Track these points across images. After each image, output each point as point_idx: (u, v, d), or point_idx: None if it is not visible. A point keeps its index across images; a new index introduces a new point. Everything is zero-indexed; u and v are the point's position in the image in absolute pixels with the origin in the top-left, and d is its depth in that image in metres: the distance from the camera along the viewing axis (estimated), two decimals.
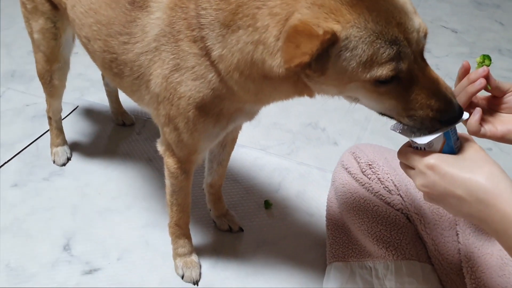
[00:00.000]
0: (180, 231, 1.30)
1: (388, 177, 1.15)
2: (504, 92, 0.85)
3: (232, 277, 1.32)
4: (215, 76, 0.92)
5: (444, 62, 2.29)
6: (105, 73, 1.20)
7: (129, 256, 1.37)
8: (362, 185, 1.17)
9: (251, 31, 0.82)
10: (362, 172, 1.18)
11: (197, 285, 1.30)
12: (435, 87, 0.77)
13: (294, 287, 1.30)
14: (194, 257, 1.33)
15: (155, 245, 1.40)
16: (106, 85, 1.79)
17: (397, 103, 0.78)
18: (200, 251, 1.38)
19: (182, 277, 1.31)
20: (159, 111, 1.05)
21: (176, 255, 1.33)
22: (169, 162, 1.15)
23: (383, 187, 1.15)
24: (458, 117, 0.78)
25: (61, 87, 1.54)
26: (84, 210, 1.51)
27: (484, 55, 0.87)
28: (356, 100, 0.84)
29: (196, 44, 0.91)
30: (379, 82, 0.75)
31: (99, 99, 1.98)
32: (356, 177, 1.18)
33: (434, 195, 0.76)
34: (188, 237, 1.33)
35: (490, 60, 0.87)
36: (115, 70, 1.11)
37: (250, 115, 1.09)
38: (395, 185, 1.14)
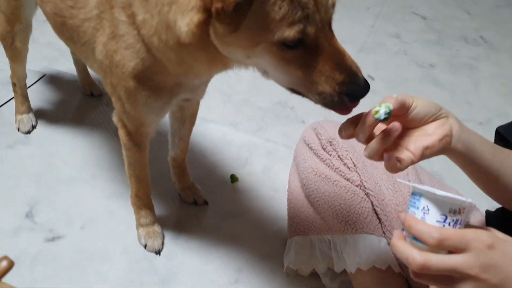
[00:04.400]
0: (141, 201, 1.31)
1: (347, 155, 1.18)
2: (408, 108, 0.76)
3: (195, 247, 1.35)
4: (142, 46, 0.92)
5: (412, 48, 2.34)
6: (59, 36, 1.19)
7: (92, 225, 1.38)
8: (323, 161, 1.21)
9: None
10: (323, 149, 1.21)
11: (159, 254, 1.32)
12: (340, 59, 0.77)
13: (255, 258, 1.33)
14: (156, 227, 1.34)
15: (119, 215, 1.41)
16: (72, 52, 1.76)
17: (303, 75, 0.78)
18: (164, 223, 1.39)
19: (145, 247, 1.32)
20: (105, 80, 1.06)
21: (139, 225, 1.34)
22: (121, 133, 1.16)
23: (343, 164, 1.19)
24: (364, 90, 0.77)
25: (23, 51, 1.51)
26: (48, 179, 1.50)
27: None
28: (266, 73, 0.84)
29: (124, 11, 0.91)
30: (285, 46, 0.74)
31: (68, 69, 1.94)
32: (317, 153, 1.22)
33: (495, 281, 0.62)
34: (150, 208, 1.34)
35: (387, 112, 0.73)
36: (66, 34, 1.11)
37: (194, 90, 1.08)
38: (353, 163, 1.18)
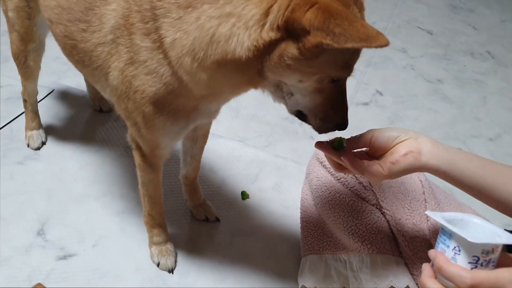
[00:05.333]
0: (154, 220, 1.31)
1: None
2: (367, 143, 0.92)
3: (208, 265, 1.34)
4: (167, 69, 0.91)
5: (419, 63, 2.35)
6: (68, 58, 1.18)
7: (105, 242, 1.37)
8: (338, 179, 1.20)
9: (221, 4, 0.80)
10: None
11: (172, 273, 1.31)
12: (344, 97, 0.92)
13: (269, 277, 1.32)
14: (169, 246, 1.34)
15: (131, 232, 1.40)
16: None
17: (323, 103, 0.89)
18: (177, 240, 1.39)
19: (158, 265, 1.32)
20: (120, 105, 1.05)
21: (151, 243, 1.33)
22: (136, 154, 1.17)
23: (358, 183, 1.19)
24: (347, 126, 0.94)
25: (36, 69, 1.51)
26: (59, 195, 1.49)
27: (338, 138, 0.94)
28: (288, 95, 0.90)
29: (149, 37, 0.90)
30: (333, 80, 0.85)
31: (76, 83, 1.95)
32: (331, 171, 1.21)
33: None
34: (163, 227, 1.33)
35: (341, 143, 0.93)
36: (76, 57, 1.10)
37: (210, 115, 1.09)
38: (369, 181, 1.18)
